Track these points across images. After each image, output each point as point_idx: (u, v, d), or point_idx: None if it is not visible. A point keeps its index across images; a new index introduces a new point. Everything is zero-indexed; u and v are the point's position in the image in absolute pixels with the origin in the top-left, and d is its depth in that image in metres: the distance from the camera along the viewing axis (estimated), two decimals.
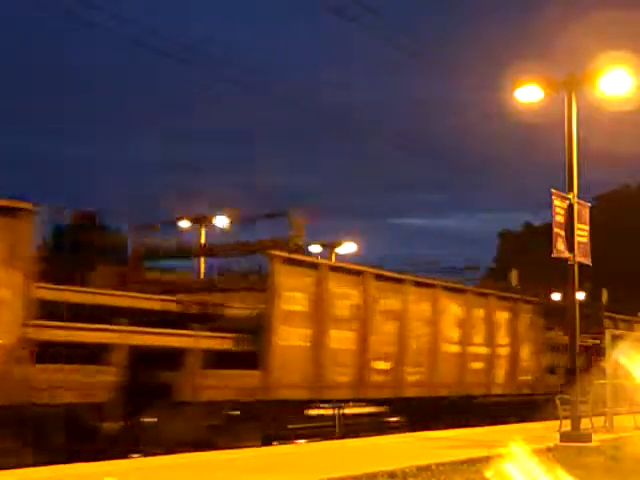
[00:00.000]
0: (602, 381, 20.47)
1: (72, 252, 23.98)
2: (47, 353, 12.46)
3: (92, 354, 13.29)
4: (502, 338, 23.79)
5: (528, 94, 17.43)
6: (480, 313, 22.92)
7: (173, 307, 16.90)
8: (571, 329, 16.89)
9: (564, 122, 16.90)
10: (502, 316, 23.84)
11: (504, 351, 23.88)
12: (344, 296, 18.14)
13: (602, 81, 16.79)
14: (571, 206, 16.59)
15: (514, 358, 24.20)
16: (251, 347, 15.84)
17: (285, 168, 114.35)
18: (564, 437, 16.00)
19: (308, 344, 16.93)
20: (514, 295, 25.26)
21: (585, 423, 17.29)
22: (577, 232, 16.62)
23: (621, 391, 20.50)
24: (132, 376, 13.45)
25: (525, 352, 24.76)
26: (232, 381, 15.46)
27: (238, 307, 17.51)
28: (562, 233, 16.41)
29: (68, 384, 12.80)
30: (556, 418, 19.46)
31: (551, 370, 26.33)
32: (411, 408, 21.02)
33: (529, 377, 24.93)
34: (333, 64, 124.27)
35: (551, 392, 22.46)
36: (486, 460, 11.35)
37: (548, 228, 17.01)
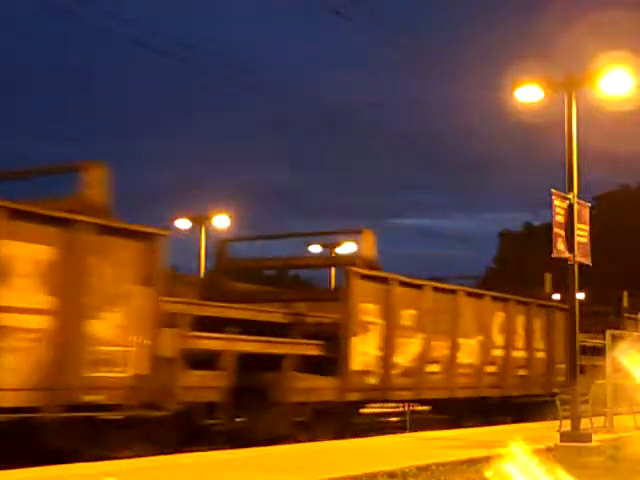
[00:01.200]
0: (602, 381, 20.47)
1: None
2: None
3: None
4: (27, 295, 11.89)
5: (528, 94, 17.43)
6: None
7: None
8: (571, 329, 16.87)
9: (564, 122, 16.90)
10: (29, 254, 11.89)
11: (34, 322, 12.00)
12: None
13: (602, 81, 16.79)
14: (571, 206, 16.59)
15: (70, 337, 12.42)
16: None
17: (285, 168, 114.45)
18: (564, 437, 15.99)
19: None
20: (85, 218, 12.83)
21: (585, 423, 17.28)
22: (577, 232, 16.62)
23: (621, 391, 20.50)
24: None
25: (110, 328, 13.00)
26: None
27: None
28: (562, 233, 16.40)
29: None
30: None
31: (202, 363, 14.98)
32: None
33: (126, 374, 13.23)
34: (333, 64, 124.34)
35: (192, 399, 14.37)
36: (486, 460, 11.37)
37: (548, 228, 17.01)
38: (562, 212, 16.44)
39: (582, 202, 17.05)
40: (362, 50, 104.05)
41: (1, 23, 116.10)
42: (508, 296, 23.80)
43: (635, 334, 25.62)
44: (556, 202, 16.37)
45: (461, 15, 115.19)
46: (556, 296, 37.22)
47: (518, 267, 68.14)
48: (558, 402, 17.95)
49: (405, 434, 17.81)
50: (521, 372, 24.02)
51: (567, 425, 16.53)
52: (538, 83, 17.28)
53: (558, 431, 16.64)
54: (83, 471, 10.95)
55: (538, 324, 24.98)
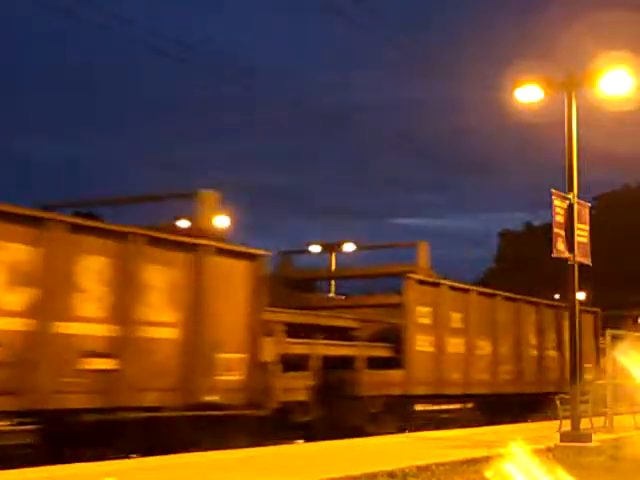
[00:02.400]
0: (602, 381, 20.46)
1: None
2: None
3: None
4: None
5: (528, 94, 17.43)
6: None
7: None
8: (571, 329, 16.87)
9: (564, 122, 16.90)
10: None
11: None
12: None
13: (602, 81, 16.79)
14: (571, 206, 16.59)
15: None
16: None
17: (285, 168, 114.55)
18: (564, 437, 16.00)
19: None
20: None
21: (585, 423, 17.28)
22: (577, 232, 16.62)
23: (621, 391, 20.50)
24: None
25: None
26: None
27: None
28: (562, 233, 16.40)
29: None
30: None
31: None
32: None
33: None
34: (333, 64, 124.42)
35: None
36: (486, 460, 11.36)
37: (548, 228, 17.01)
38: (562, 212, 16.44)
39: (582, 202, 17.05)
40: (362, 50, 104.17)
41: (1, 23, 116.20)
42: (48, 214, 12.82)
43: (635, 334, 25.58)
44: (556, 202, 16.37)
45: (461, 15, 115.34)
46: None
47: (518, 267, 68.19)
48: (558, 402, 17.95)
49: (405, 434, 17.72)
50: (101, 365, 13.11)
51: (567, 425, 16.53)
52: (538, 83, 17.28)
53: (558, 431, 16.64)
54: (83, 471, 10.95)
55: (161, 279, 14.26)
